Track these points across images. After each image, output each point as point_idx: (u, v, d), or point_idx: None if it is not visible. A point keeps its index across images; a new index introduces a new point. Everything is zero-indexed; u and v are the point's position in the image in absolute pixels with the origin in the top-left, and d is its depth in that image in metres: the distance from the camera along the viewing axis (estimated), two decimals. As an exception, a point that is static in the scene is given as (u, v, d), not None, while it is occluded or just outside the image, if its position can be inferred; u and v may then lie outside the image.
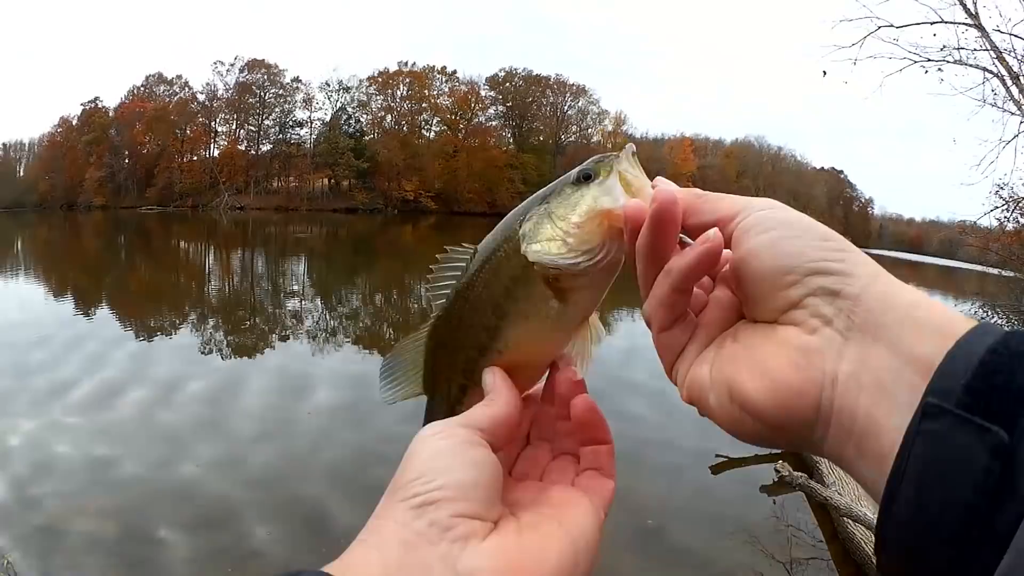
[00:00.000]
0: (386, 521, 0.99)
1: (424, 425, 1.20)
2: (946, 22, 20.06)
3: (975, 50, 20.25)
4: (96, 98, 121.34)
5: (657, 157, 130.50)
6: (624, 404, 15.29)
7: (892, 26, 20.72)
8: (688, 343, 1.11)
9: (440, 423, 1.14)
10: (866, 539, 8.90)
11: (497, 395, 1.19)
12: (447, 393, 1.35)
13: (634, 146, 1.23)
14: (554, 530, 1.08)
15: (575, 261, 1.16)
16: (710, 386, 1.03)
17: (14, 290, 30.43)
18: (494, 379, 1.22)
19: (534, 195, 1.27)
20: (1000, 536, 0.69)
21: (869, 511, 9.16)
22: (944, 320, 0.84)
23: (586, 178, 1.20)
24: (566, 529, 1.10)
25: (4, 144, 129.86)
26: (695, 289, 1.10)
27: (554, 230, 1.18)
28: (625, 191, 1.16)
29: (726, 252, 1.04)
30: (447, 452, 1.06)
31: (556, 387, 1.29)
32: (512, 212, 1.28)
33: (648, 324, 1.15)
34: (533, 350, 1.27)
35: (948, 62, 20.44)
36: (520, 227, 1.22)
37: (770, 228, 0.99)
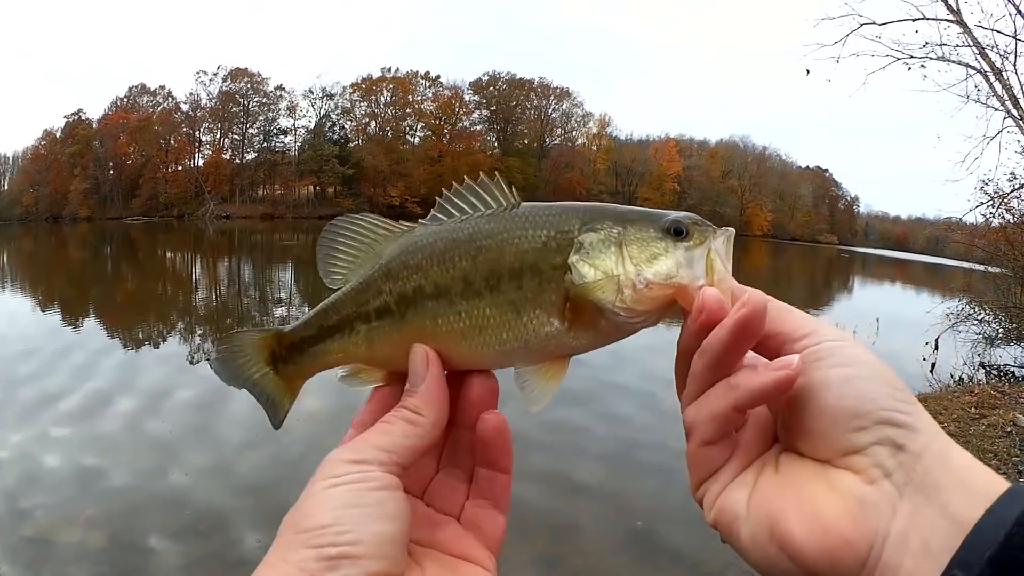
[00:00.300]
0: (291, 568, 0.95)
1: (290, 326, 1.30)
2: (928, 19, 20.14)
3: (957, 46, 20.31)
4: (79, 110, 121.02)
5: (642, 159, 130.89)
6: (613, 406, 15.24)
7: (874, 23, 20.85)
8: (725, 463, 1.08)
9: (354, 451, 1.11)
10: None
11: (428, 406, 1.14)
12: (363, 302, 1.29)
13: (733, 231, 1.19)
14: None
15: (616, 311, 1.12)
16: (746, 517, 1.00)
17: (0, 303, 30.03)
18: (426, 371, 1.17)
19: (608, 205, 1.21)
20: None
21: None
22: (995, 487, 0.83)
23: (676, 233, 1.14)
24: None
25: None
26: None
27: (618, 268, 1.13)
28: (707, 272, 1.11)
29: None
30: (364, 501, 1.02)
31: (470, 391, 1.21)
32: (572, 205, 1.21)
33: (687, 433, 1.10)
34: (490, 339, 1.19)
35: (931, 59, 20.57)
36: (579, 232, 1.15)
37: (845, 364, 0.96)
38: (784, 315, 1.04)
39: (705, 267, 1.11)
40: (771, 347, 1.04)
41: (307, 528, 0.97)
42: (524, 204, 1.21)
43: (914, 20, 20.20)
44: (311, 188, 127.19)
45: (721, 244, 1.13)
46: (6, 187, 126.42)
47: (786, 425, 1.03)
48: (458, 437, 1.24)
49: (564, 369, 1.21)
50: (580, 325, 1.15)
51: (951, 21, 20.02)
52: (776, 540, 0.93)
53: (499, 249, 1.16)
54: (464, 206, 1.23)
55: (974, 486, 0.83)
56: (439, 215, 1.25)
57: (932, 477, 0.86)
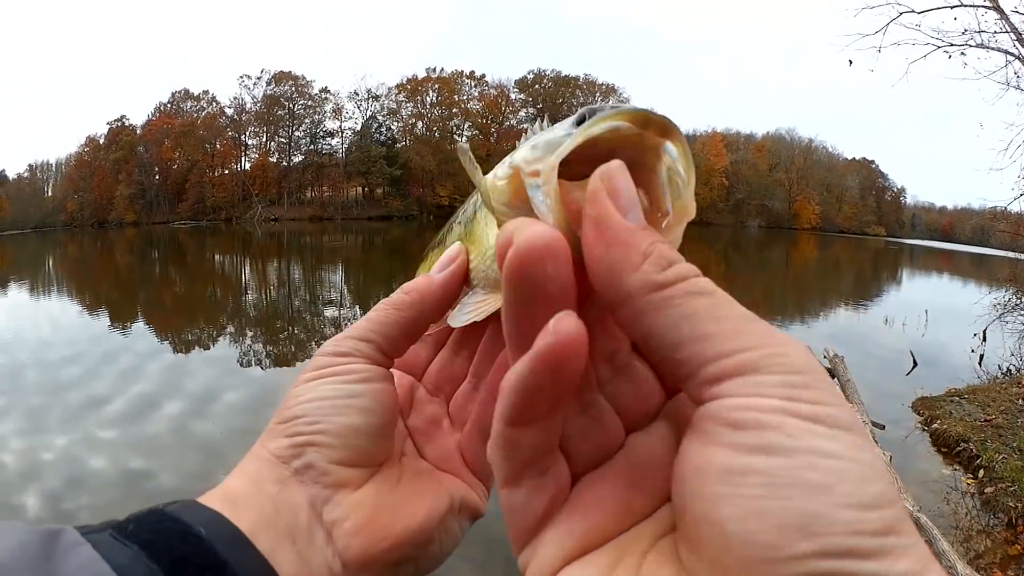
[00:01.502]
0: (264, 454, 0.94)
1: None
2: (965, 5, 20.22)
3: (995, 32, 20.29)
4: (122, 116, 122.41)
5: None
6: None
7: (913, 11, 20.83)
8: (547, 519, 0.69)
9: (336, 343, 1.01)
10: None
11: (417, 288, 1.03)
12: (439, 241, 1.21)
13: (648, 117, 0.71)
14: (432, 487, 0.99)
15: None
16: None
17: (46, 308, 30.58)
18: (432, 273, 1.05)
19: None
20: None
21: (909, 502, 8.95)
22: None
23: (580, 122, 0.77)
24: (446, 489, 0.99)
25: (30, 165, 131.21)
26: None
27: (498, 181, 0.93)
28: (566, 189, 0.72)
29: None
30: (335, 393, 0.95)
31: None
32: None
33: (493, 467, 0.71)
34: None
35: (970, 46, 20.55)
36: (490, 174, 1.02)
37: (777, 452, 0.54)
38: (704, 318, 0.60)
39: (580, 139, 0.72)
40: (668, 372, 0.62)
41: (284, 419, 0.96)
42: None
43: (952, 7, 20.25)
44: (359, 189, 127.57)
45: (600, 129, 0.71)
46: (50, 194, 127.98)
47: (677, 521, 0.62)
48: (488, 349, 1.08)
49: None
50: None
51: (988, 7, 20.09)
52: None
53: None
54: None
55: None
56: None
57: None
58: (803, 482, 0.51)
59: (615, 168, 0.64)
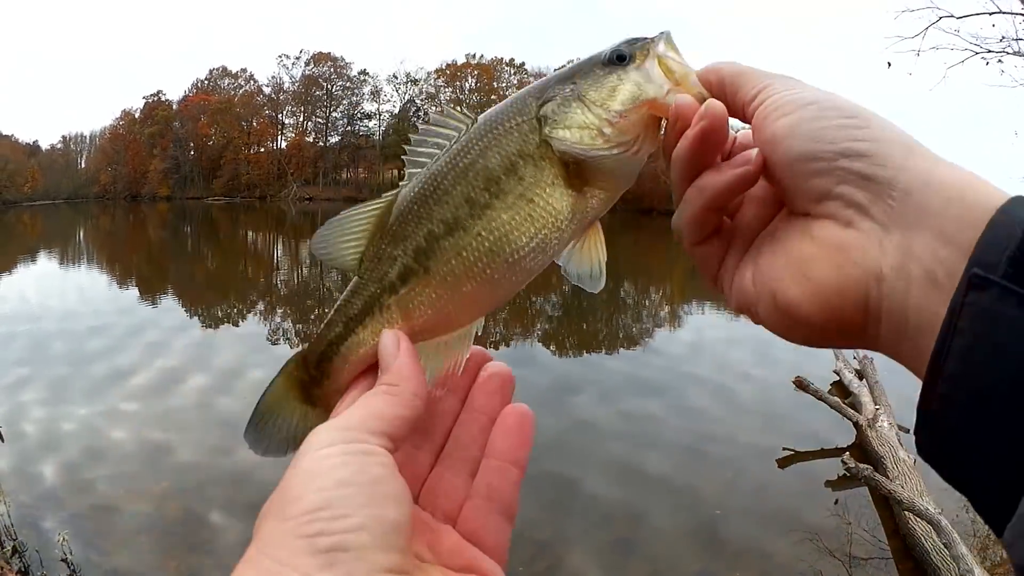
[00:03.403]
0: (273, 564, 0.75)
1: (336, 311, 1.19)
2: (1003, 12, 20.14)
3: None
4: (159, 91, 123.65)
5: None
6: (687, 398, 15.14)
7: (952, 16, 20.66)
8: (727, 253, 1.03)
9: (342, 427, 0.92)
10: (926, 534, 8.76)
11: (403, 379, 1.00)
12: (382, 275, 1.16)
13: (669, 31, 1.10)
14: None
15: (610, 153, 1.05)
16: (756, 296, 0.94)
17: (75, 278, 30.83)
18: (397, 350, 1.05)
19: (550, 76, 1.15)
20: None
21: (931, 505, 8.96)
22: (997, 199, 0.75)
23: (620, 59, 1.07)
24: None
25: (64, 136, 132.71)
26: None
27: (588, 117, 1.06)
28: (668, 76, 1.05)
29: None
30: (361, 478, 0.83)
31: (485, 373, 1.14)
32: (522, 91, 1.15)
33: (677, 237, 1.06)
34: (513, 248, 1.08)
35: (1008, 53, 20.18)
36: (539, 107, 1.09)
37: (789, 112, 0.89)
38: (739, 80, 0.98)
39: (663, 73, 1.05)
40: (736, 115, 0.99)
41: (293, 515, 0.78)
42: (480, 115, 1.15)
43: (991, 14, 20.08)
44: (395, 172, 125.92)
45: (663, 48, 1.07)
46: (83, 165, 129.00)
47: (777, 190, 0.96)
48: (459, 435, 1.13)
49: (598, 234, 1.15)
50: (590, 183, 1.08)
51: None
52: (781, 310, 0.89)
53: (483, 157, 1.10)
54: (429, 150, 1.19)
55: (968, 200, 0.76)
56: (412, 169, 1.21)
57: (916, 200, 0.78)
58: (811, 115, 0.86)
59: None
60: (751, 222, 1.00)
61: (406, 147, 1.22)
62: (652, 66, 1.05)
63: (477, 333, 1.16)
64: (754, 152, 0.92)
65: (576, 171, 1.06)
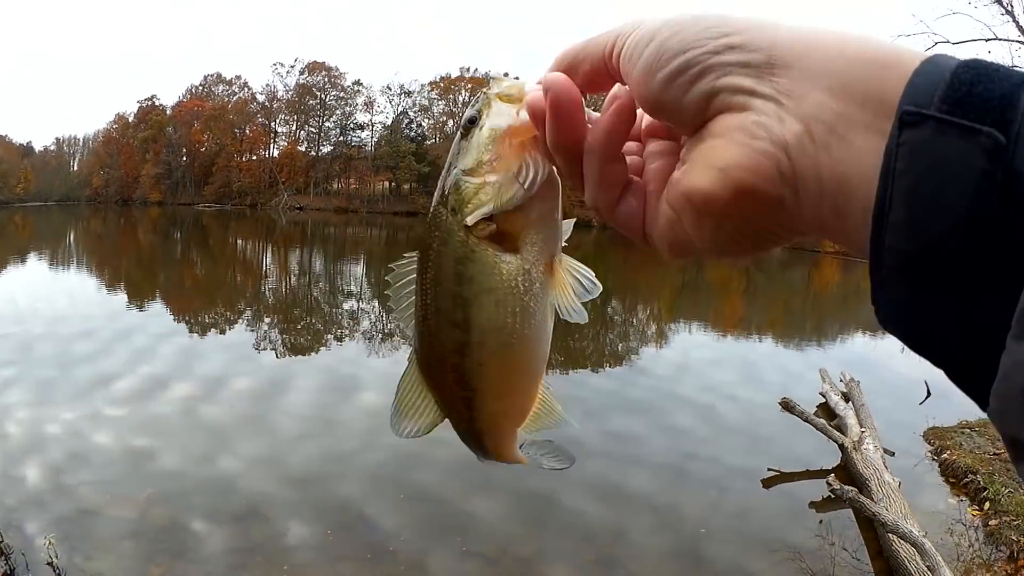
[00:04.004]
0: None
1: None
2: (1000, 39, 20.23)
3: None
4: (153, 96, 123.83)
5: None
6: (672, 418, 15.21)
7: (949, 42, 20.80)
8: (645, 205, 0.97)
9: None
10: (910, 557, 8.79)
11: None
12: (459, 413, 1.22)
13: (500, 76, 1.14)
14: None
15: (511, 194, 1.07)
16: (677, 216, 0.88)
17: (64, 281, 30.70)
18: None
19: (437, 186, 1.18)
20: (1013, 248, 0.61)
21: (915, 528, 9.07)
22: (889, 53, 0.71)
23: (472, 123, 1.11)
24: None
25: (58, 139, 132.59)
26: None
27: (476, 180, 1.09)
28: (513, 105, 1.08)
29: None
30: None
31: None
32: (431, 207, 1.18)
33: (598, 213, 1.02)
34: (511, 331, 1.10)
35: None
36: (447, 209, 1.12)
37: (648, 40, 0.85)
38: (584, 51, 0.96)
39: (507, 104, 1.08)
40: (604, 82, 0.97)
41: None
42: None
43: (987, 40, 20.16)
44: (386, 184, 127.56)
45: (495, 87, 1.10)
46: (75, 168, 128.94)
47: (670, 128, 0.97)
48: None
49: (560, 276, 1.14)
50: (517, 236, 1.09)
51: (1021, 43, 19.84)
52: (695, 205, 0.82)
53: (439, 282, 1.13)
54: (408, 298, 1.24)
55: (855, 56, 0.71)
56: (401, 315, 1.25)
57: (799, 69, 0.74)
58: (670, 33, 0.81)
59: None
60: (660, 169, 0.96)
61: (390, 303, 1.25)
62: (495, 105, 1.09)
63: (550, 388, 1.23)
64: (616, 87, 0.92)
65: (502, 234, 1.09)
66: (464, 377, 1.13)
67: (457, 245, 1.09)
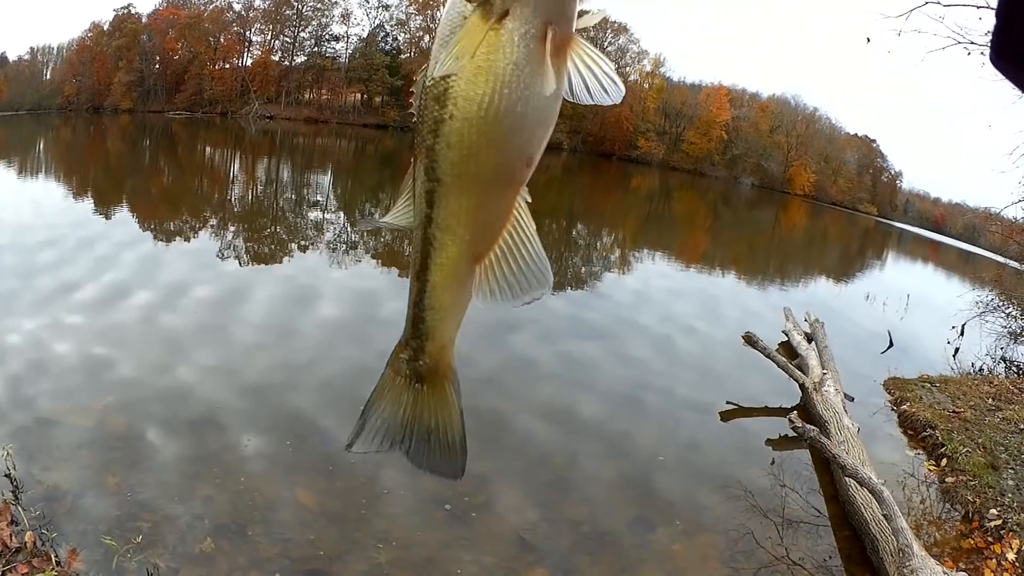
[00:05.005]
0: None
1: None
2: (991, 8, 20.18)
3: None
4: (129, 4, 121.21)
5: (692, 103, 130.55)
6: (627, 346, 15.33)
7: (939, 3, 20.73)
8: None
9: None
10: (866, 503, 8.77)
11: None
12: (421, 213, 1.19)
13: None
14: None
15: None
16: None
17: (31, 191, 30.09)
18: None
19: None
20: None
21: (873, 475, 8.95)
22: None
23: None
24: None
25: (32, 48, 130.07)
26: None
27: None
28: None
29: None
30: None
31: None
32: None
33: None
34: (484, 107, 1.05)
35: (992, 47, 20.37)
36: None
37: None
38: None
39: None
40: None
41: None
42: None
43: (978, 7, 20.17)
44: (358, 96, 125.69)
45: None
46: (48, 77, 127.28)
47: None
48: None
49: (579, 46, 1.09)
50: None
51: None
52: None
53: (435, 52, 1.12)
54: None
55: None
56: None
57: None
58: None
59: None
60: None
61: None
62: None
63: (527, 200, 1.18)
64: None
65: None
66: (433, 162, 1.11)
67: (452, 10, 1.08)
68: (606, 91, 1.08)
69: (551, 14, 1.04)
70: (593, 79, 1.07)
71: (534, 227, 1.18)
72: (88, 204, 27.43)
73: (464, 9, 1.05)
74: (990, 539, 9.09)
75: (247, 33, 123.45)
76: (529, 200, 1.18)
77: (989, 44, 0.77)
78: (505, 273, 1.20)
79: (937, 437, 11.93)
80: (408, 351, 1.35)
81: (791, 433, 10.29)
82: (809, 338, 15.59)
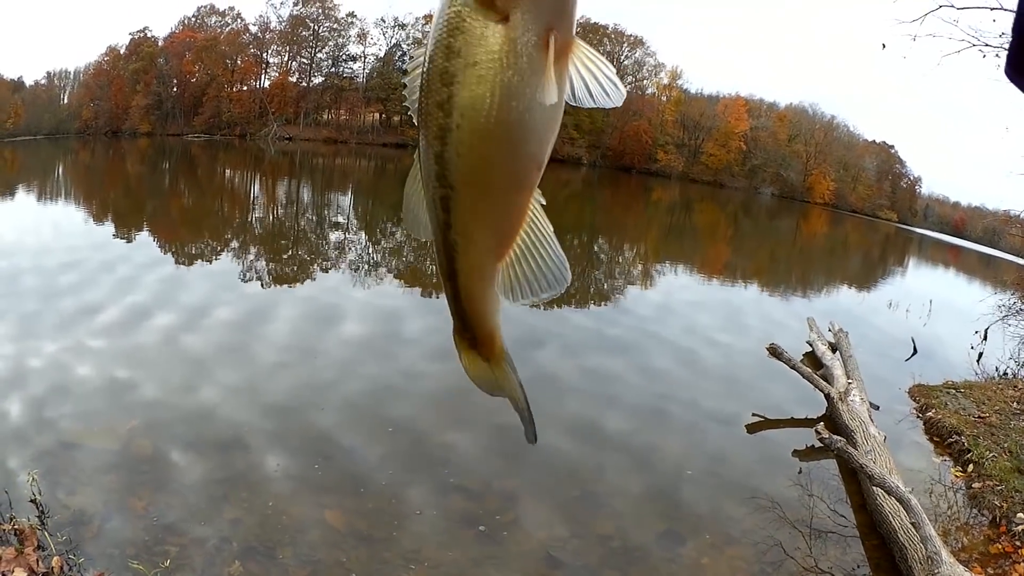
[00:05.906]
0: None
1: None
2: (1005, 9, 20.10)
3: None
4: (145, 28, 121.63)
5: (710, 114, 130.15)
6: (651, 359, 15.25)
7: (953, 7, 20.65)
8: None
9: None
10: (894, 512, 8.66)
11: None
12: (438, 219, 1.18)
13: None
14: None
15: None
16: None
17: (52, 214, 30.32)
18: None
19: None
20: None
21: (900, 483, 8.82)
22: None
23: None
24: None
25: (48, 72, 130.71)
26: None
27: None
28: None
29: None
30: None
31: None
32: None
33: None
34: (491, 114, 1.04)
35: (1006, 49, 20.22)
36: None
37: None
38: None
39: None
40: None
41: None
42: None
43: (992, 9, 20.05)
44: (377, 115, 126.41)
45: None
46: (66, 101, 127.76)
47: None
48: None
49: (581, 49, 1.10)
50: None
51: None
52: None
53: (432, 60, 1.10)
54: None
55: None
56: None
57: None
58: None
59: None
60: None
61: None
62: None
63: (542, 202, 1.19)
64: None
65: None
66: (444, 170, 1.10)
67: (450, 13, 1.05)
68: (607, 94, 1.09)
69: (552, 19, 1.04)
70: (595, 82, 1.08)
71: (551, 228, 1.20)
72: (109, 227, 27.46)
73: (461, 9, 1.04)
74: (1018, 543, 9.00)
75: (264, 55, 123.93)
76: (543, 202, 1.19)
77: (1006, 59, 0.78)
78: (525, 271, 1.23)
79: (963, 443, 11.83)
80: (466, 340, 1.36)
81: (817, 443, 10.22)
82: (833, 348, 15.47)
